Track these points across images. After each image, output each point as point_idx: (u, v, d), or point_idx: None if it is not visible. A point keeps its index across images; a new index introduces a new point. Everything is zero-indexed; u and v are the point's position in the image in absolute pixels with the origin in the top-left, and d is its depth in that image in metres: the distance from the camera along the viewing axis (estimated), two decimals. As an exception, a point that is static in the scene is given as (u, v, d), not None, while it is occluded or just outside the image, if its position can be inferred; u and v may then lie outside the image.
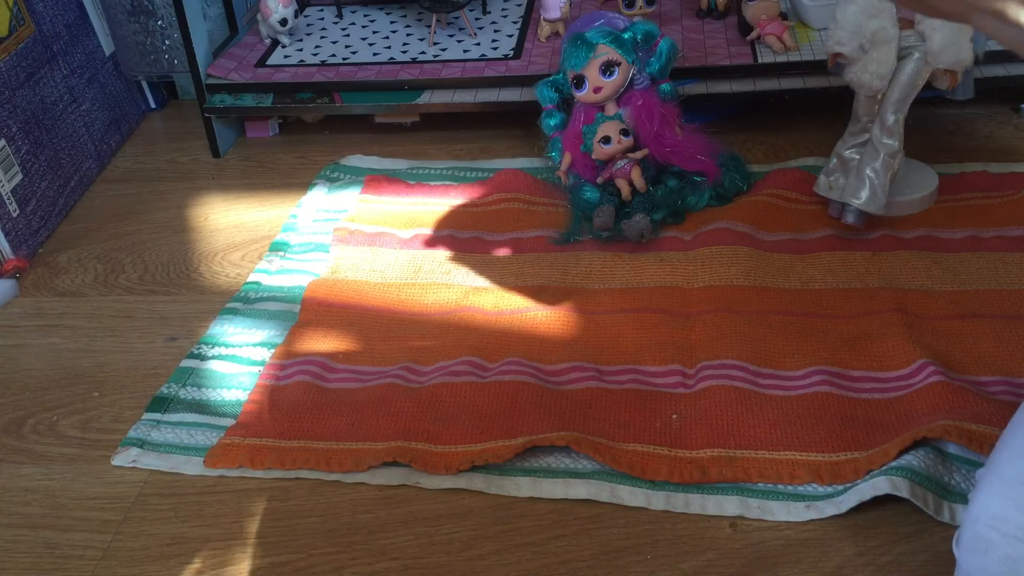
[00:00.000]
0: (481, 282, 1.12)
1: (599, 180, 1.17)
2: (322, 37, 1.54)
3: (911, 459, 0.80)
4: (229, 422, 0.96)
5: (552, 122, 1.21)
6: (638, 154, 1.15)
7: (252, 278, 1.17)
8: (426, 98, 1.37)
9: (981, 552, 0.55)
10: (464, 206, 1.25)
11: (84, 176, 1.41)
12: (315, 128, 1.51)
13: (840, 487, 0.82)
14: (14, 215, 1.24)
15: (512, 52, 1.42)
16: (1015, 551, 0.53)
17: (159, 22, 1.48)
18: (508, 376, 0.95)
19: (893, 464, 0.80)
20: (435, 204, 1.26)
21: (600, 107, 1.18)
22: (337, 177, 1.36)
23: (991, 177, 1.19)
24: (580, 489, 0.85)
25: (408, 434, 0.90)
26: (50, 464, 0.94)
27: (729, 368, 0.93)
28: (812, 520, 0.80)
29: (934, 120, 1.33)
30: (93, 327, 1.12)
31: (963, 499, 0.79)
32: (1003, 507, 0.54)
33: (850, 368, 0.93)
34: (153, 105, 1.62)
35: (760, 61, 1.32)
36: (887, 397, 0.90)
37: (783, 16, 1.36)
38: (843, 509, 0.80)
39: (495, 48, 1.44)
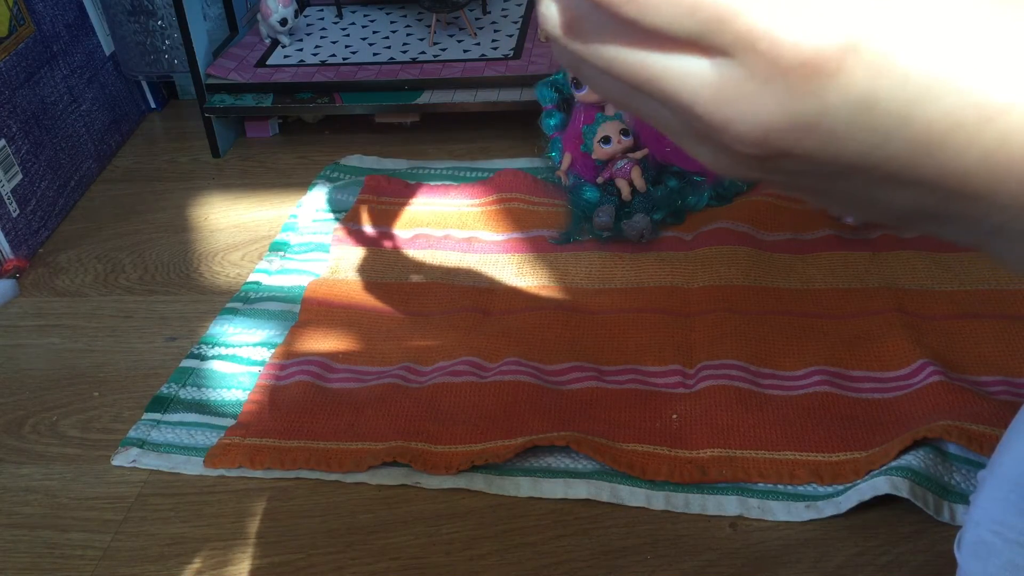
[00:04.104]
0: (481, 282, 1.12)
1: (599, 180, 1.17)
2: (322, 37, 1.54)
3: (911, 459, 0.80)
4: (229, 422, 0.96)
5: (552, 122, 1.21)
6: (638, 154, 1.15)
7: (252, 278, 1.17)
8: (426, 98, 1.37)
9: (983, 557, 0.55)
10: (464, 206, 1.25)
11: (84, 176, 1.41)
12: (315, 128, 1.51)
13: (840, 487, 0.82)
14: (14, 215, 1.24)
15: (512, 52, 1.42)
16: (1017, 556, 0.53)
17: (159, 22, 1.48)
18: (508, 376, 0.95)
19: (893, 464, 0.80)
20: (435, 204, 1.26)
21: (600, 107, 1.18)
22: (337, 177, 1.36)
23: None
24: (580, 489, 0.85)
25: (408, 434, 0.90)
26: (50, 464, 0.94)
27: (729, 368, 0.93)
28: (812, 520, 0.80)
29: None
30: (93, 327, 1.12)
31: (963, 499, 0.79)
32: (1005, 511, 0.54)
33: (850, 368, 0.93)
34: (153, 105, 1.62)
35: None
36: (887, 397, 0.89)
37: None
38: (843, 509, 0.80)
39: (495, 48, 1.44)
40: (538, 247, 1.16)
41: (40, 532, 0.87)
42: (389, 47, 1.48)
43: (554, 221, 1.20)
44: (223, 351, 1.05)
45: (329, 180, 1.35)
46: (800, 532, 0.80)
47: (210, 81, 1.43)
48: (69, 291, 1.19)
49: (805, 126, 0.24)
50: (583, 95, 1.17)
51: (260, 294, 1.14)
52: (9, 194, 1.24)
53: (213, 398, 0.99)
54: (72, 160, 1.39)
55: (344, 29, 1.56)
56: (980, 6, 0.23)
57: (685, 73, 0.25)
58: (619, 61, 0.25)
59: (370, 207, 1.27)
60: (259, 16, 1.50)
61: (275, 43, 1.51)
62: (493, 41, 1.46)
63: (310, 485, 0.89)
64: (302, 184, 1.36)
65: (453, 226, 1.22)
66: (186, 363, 1.04)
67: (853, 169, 0.25)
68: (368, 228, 1.22)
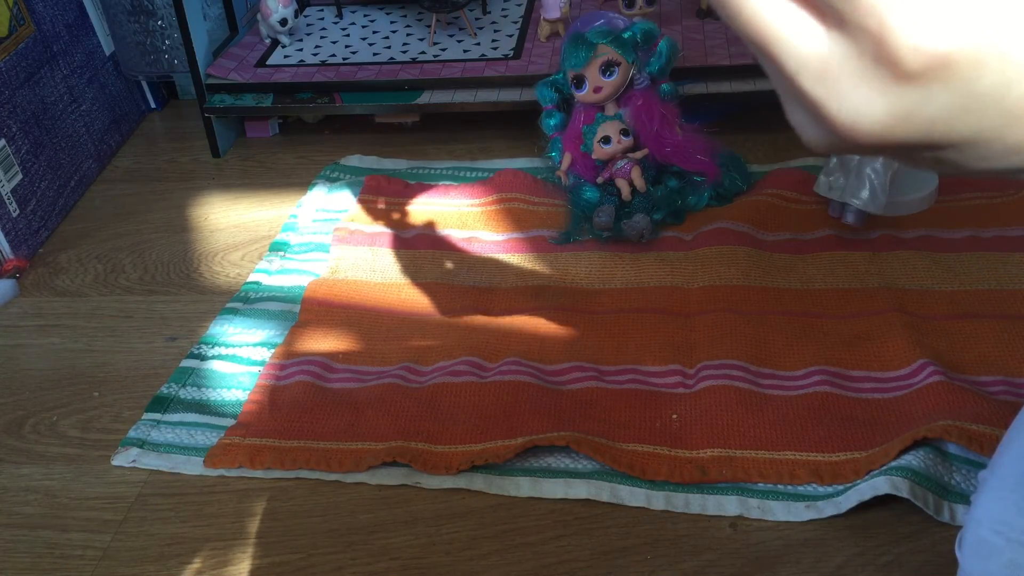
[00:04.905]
0: (481, 282, 1.12)
1: (599, 180, 1.17)
2: (322, 37, 1.53)
3: (911, 459, 0.80)
4: (229, 422, 0.95)
5: (552, 122, 1.21)
6: (638, 154, 1.15)
7: (252, 278, 1.17)
8: (426, 98, 1.37)
9: (984, 556, 0.55)
10: (464, 206, 1.25)
11: (84, 176, 1.41)
12: (315, 128, 1.51)
13: (840, 487, 0.82)
14: (14, 215, 1.24)
15: (512, 52, 1.42)
16: (1019, 556, 0.53)
17: (159, 22, 1.48)
18: (508, 376, 0.95)
19: (893, 464, 0.80)
20: (435, 204, 1.26)
21: (600, 107, 1.18)
22: (337, 177, 1.36)
23: (991, 177, 1.19)
24: (580, 489, 0.85)
25: (408, 434, 0.90)
26: (50, 464, 0.94)
27: (729, 368, 0.93)
28: (812, 520, 0.80)
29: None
30: (93, 327, 1.12)
31: (963, 499, 0.79)
32: (1007, 511, 0.54)
33: (850, 368, 0.93)
34: (153, 105, 1.62)
35: (760, 61, 1.32)
36: (887, 397, 0.89)
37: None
38: (843, 509, 0.80)
39: (495, 48, 1.44)
40: (538, 247, 1.16)
41: (40, 532, 0.87)
42: (389, 47, 1.48)
43: (554, 221, 1.20)
44: (223, 351, 1.05)
45: (329, 180, 1.35)
46: (800, 532, 0.80)
47: (210, 81, 1.43)
48: (69, 291, 1.19)
49: (903, 116, 0.24)
50: (583, 95, 1.17)
51: (260, 294, 1.14)
52: (9, 194, 1.24)
53: (213, 398, 0.99)
54: (72, 160, 1.39)
55: (344, 29, 1.56)
56: None
57: (797, 40, 0.25)
58: (744, 13, 0.25)
59: (370, 207, 1.27)
60: (259, 16, 1.50)
61: (275, 43, 1.51)
62: (493, 41, 1.46)
63: (310, 485, 0.89)
64: (302, 184, 1.36)
65: (453, 226, 1.22)
66: (186, 363, 1.04)
67: (942, 145, 0.25)
68: (368, 228, 1.22)
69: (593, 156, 1.16)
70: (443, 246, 1.18)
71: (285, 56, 1.48)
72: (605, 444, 0.87)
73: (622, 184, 1.15)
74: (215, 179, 1.41)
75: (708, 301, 1.04)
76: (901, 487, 0.78)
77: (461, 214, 1.24)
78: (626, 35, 1.15)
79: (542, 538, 0.82)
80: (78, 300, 1.18)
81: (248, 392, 0.99)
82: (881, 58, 0.24)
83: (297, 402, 0.96)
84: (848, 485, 0.81)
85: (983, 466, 0.77)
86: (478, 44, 1.46)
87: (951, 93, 0.24)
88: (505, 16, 1.54)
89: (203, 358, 1.04)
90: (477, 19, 1.53)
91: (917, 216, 1.14)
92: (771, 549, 0.79)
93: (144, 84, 1.60)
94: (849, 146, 0.26)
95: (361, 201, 1.28)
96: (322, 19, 1.60)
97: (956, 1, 0.23)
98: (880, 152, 0.26)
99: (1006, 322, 0.97)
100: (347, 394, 0.97)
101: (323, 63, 1.45)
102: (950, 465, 0.81)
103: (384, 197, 1.29)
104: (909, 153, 0.26)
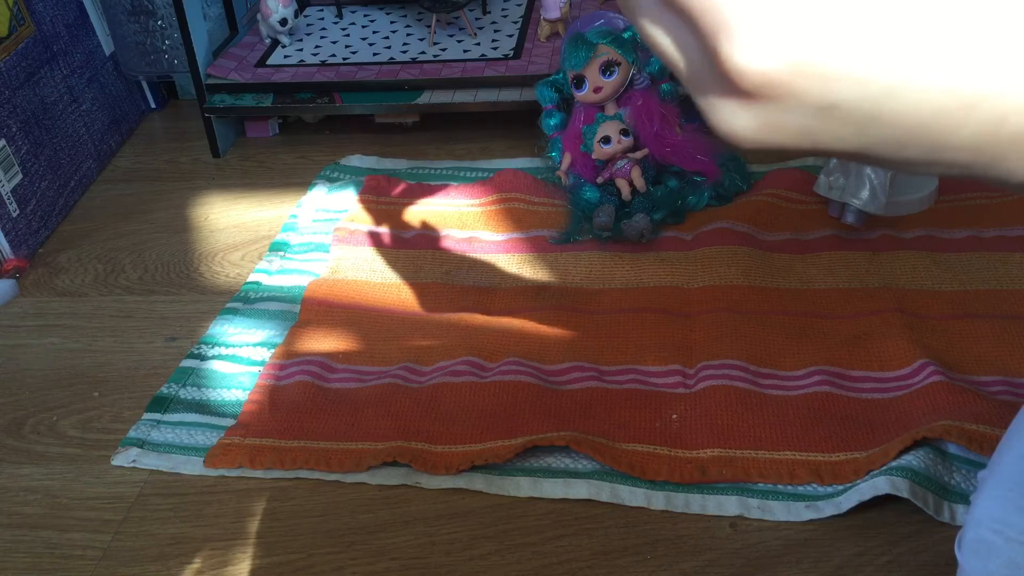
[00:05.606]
0: (481, 282, 1.12)
1: (599, 180, 1.17)
2: (322, 37, 1.54)
3: (911, 459, 0.80)
4: (229, 422, 0.95)
5: (552, 122, 1.21)
6: (638, 154, 1.15)
7: (252, 278, 1.17)
8: (426, 98, 1.37)
9: (984, 556, 0.55)
10: (464, 206, 1.25)
11: (84, 176, 1.41)
12: (315, 128, 1.51)
13: (840, 487, 0.82)
14: (14, 215, 1.24)
15: (512, 52, 1.42)
16: (1018, 555, 0.53)
17: (159, 22, 1.48)
18: (508, 376, 0.95)
19: (893, 464, 0.80)
20: (435, 204, 1.26)
21: (600, 107, 1.18)
22: (337, 177, 1.36)
23: (991, 177, 1.19)
24: (580, 489, 0.85)
25: (408, 434, 0.90)
26: (50, 464, 0.94)
27: (729, 368, 0.93)
28: (812, 520, 0.80)
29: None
30: (93, 327, 1.12)
31: (963, 499, 0.79)
32: (1006, 510, 0.54)
33: (850, 368, 0.93)
34: (153, 105, 1.62)
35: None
36: (887, 397, 0.89)
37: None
38: (843, 509, 0.80)
39: (495, 48, 1.44)
40: (538, 247, 1.16)
41: (40, 532, 0.87)
42: (389, 47, 1.48)
43: (554, 221, 1.20)
44: (223, 351, 1.05)
45: (329, 180, 1.35)
46: (800, 532, 0.80)
47: (210, 81, 1.43)
48: (69, 291, 1.19)
49: (772, 126, 0.25)
50: (583, 95, 1.17)
51: (260, 294, 1.14)
52: (9, 194, 1.24)
53: (213, 398, 0.99)
54: (72, 160, 1.39)
55: (344, 29, 1.56)
56: (920, 10, 0.23)
57: (680, 53, 0.25)
58: (640, 17, 0.26)
59: (370, 207, 1.27)
60: (259, 16, 1.50)
61: (275, 43, 1.51)
62: (493, 41, 1.46)
63: (310, 485, 0.89)
64: (302, 184, 1.36)
65: (453, 226, 1.22)
66: (186, 363, 1.04)
67: (839, 154, 0.26)
68: (368, 228, 1.22)
69: (593, 156, 1.16)
70: (443, 246, 1.18)
71: (285, 56, 1.48)
72: (605, 444, 0.87)
73: (622, 184, 1.15)
74: (215, 179, 1.41)
75: (708, 301, 1.04)
76: (901, 487, 0.78)
77: (461, 214, 1.24)
78: (626, 35, 1.15)
79: (542, 538, 0.82)
80: (78, 300, 1.18)
81: (248, 392, 0.99)
82: (722, 77, 0.24)
83: (297, 402, 0.96)
84: (848, 485, 0.81)
85: (983, 466, 0.76)
86: (478, 44, 1.46)
87: (808, 107, 0.24)
88: (505, 16, 1.54)
89: (203, 358, 1.04)
90: (477, 19, 1.53)
91: (917, 216, 1.14)
92: (771, 549, 0.79)
93: (144, 84, 1.60)
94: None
95: (361, 201, 1.28)
96: (322, 19, 1.60)
97: (786, 18, 0.23)
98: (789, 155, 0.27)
99: (1006, 322, 0.97)
100: (347, 394, 0.97)
101: (323, 63, 1.45)
102: (950, 465, 0.81)
103: (384, 197, 1.29)
104: (835, 156, 0.27)
